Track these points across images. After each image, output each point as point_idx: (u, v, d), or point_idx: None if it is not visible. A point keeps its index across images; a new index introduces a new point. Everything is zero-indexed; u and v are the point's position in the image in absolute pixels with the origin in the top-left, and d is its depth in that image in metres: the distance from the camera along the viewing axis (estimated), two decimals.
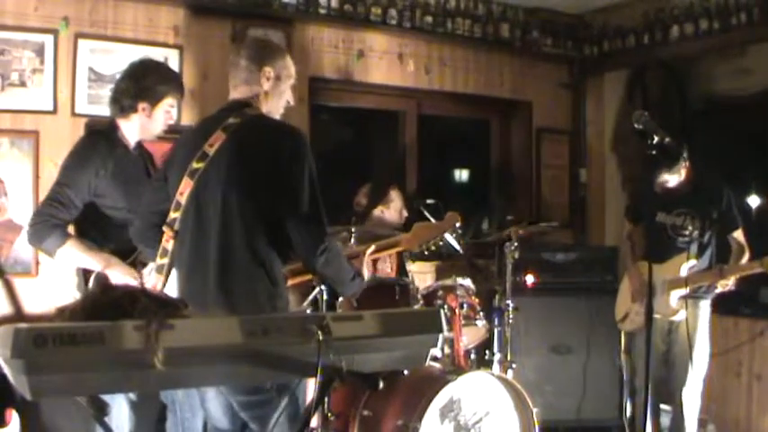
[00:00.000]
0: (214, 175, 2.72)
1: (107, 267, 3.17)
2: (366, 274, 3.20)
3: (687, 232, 4.35)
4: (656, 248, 4.41)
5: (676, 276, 4.29)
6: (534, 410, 3.77)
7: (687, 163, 4.32)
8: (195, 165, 2.74)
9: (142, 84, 3.35)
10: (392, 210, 4.74)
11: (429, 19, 5.63)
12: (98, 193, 3.25)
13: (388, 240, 3.58)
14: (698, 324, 4.37)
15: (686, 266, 4.29)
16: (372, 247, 3.30)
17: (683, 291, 4.27)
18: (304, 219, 2.70)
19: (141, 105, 3.32)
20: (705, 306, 4.40)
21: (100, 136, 3.36)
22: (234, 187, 2.70)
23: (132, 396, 3.14)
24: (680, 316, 4.32)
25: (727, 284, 4.26)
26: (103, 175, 3.25)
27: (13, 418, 3.29)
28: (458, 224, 3.38)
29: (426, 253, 3.75)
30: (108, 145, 3.32)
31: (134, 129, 3.38)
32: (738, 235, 4.40)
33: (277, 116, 2.96)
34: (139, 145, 3.49)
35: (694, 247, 4.32)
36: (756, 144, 5.33)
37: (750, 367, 5.10)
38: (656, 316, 4.26)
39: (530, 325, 4.99)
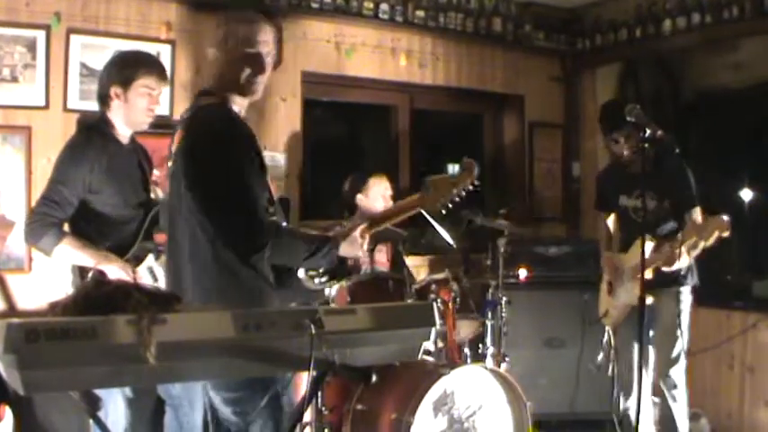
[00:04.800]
0: (174, 173, 2.68)
1: (103, 263, 3.18)
2: (361, 254, 3.05)
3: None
4: (626, 235, 4.36)
5: (637, 262, 4.21)
6: (528, 404, 3.78)
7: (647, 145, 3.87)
8: (170, 164, 2.73)
9: (110, 69, 3.36)
10: (370, 197, 4.56)
11: (421, 13, 5.61)
12: (93, 190, 3.25)
13: (402, 203, 3.27)
14: (679, 312, 4.25)
15: (648, 248, 4.08)
16: (364, 225, 3.00)
17: (648, 276, 4.18)
18: (227, 214, 2.54)
19: (114, 90, 3.31)
20: (685, 292, 4.28)
21: (93, 131, 3.35)
22: (181, 186, 2.62)
23: (128, 391, 3.14)
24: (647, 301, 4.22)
25: (679, 259, 3.96)
26: (98, 170, 3.24)
27: (7, 413, 3.28)
28: (476, 170, 3.18)
29: (443, 212, 3.44)
30: (102, 140, 3.32)
31: (119, 118, 3.36)
32: (695, 213, 4.22)
33: (245, 100, 2.70)
34: (133, 139, 3.48)
35: (665, 228, 4.20)
36: (749, 138, 5.34)
37: (743, 360, 5.09)
38: (629, 303, 4.23)
39: (523, 318, 4.99)
